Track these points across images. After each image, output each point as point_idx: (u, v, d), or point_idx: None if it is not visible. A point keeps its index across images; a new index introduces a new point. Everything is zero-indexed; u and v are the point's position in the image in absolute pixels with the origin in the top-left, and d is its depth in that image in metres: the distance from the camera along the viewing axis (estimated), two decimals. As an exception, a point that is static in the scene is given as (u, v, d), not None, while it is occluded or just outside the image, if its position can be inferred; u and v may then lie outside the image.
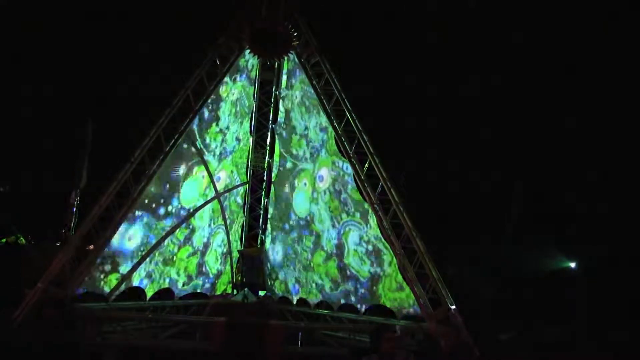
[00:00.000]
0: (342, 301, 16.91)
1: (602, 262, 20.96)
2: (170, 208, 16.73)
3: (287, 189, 18.64)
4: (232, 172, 18.98)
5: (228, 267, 19.26)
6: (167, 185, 16.55)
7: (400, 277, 15.04)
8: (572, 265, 22.72)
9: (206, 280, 18.61)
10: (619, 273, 20.24)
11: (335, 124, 15.72)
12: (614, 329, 16.94)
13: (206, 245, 18.33)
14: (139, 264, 16.02)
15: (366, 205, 15.68)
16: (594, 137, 23.03)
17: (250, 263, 19.12)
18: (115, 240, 15.25)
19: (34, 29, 22.43)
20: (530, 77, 24.05)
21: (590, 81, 22.81)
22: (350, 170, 15.88)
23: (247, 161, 19.67)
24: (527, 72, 24.13)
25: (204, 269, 18.44)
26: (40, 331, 12.30)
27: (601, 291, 19.91)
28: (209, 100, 16.33)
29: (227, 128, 17.97)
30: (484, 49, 24.23)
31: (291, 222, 18.46)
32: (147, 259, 16.27)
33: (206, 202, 17.84)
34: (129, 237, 15.73)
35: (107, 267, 15.40)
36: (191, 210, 17.30)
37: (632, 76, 21.84)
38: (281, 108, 18.80)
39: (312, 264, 17.70)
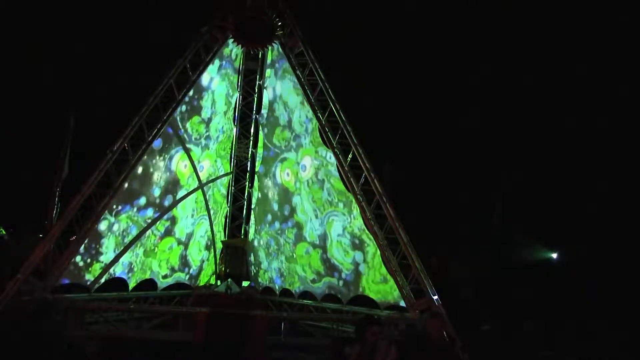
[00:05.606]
0: (326, 292, 16.89)
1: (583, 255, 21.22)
2: (151, 198, 16.60)
3: (270, 179, 18.55)
4: (215, 162, 18.84)
5: (211, 258, 19.18)
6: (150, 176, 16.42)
7: (384, 269, 15.04)
8: (554, 256, 23.02)
9: (189, 272, 18.51)
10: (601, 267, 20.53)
11: (319, 114, 15.66)
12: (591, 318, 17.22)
13: (189, 236, 18.22)
14: (121, 254, 15.90)
15: (349, 196, 15.67)
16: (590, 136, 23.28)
17: (234, 254, 19.05)
18: (97, 230, 15.11)
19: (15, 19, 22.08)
20: (527, 73, 24.24)
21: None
22: (333, 160, 15.84)
23: (231, 151, 19.56)
24: (523, 68, 24.31)
25: (186, 260, 18.33)
26: (20, 323, 12.18)
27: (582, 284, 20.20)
28: (192, 90, 16.20)
29: (210, 118, 17.82)
30: (481, 45, 24.34)
31: (274, 213, 18.39)
32: (129, 251, 16.14)
33: (189, 193, 17.72)
34: (111, 227, 15.59)
35: (89, 258, 15.24)
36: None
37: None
38: (265, 98, 18.68)
39: (294, 256, 17.65)
